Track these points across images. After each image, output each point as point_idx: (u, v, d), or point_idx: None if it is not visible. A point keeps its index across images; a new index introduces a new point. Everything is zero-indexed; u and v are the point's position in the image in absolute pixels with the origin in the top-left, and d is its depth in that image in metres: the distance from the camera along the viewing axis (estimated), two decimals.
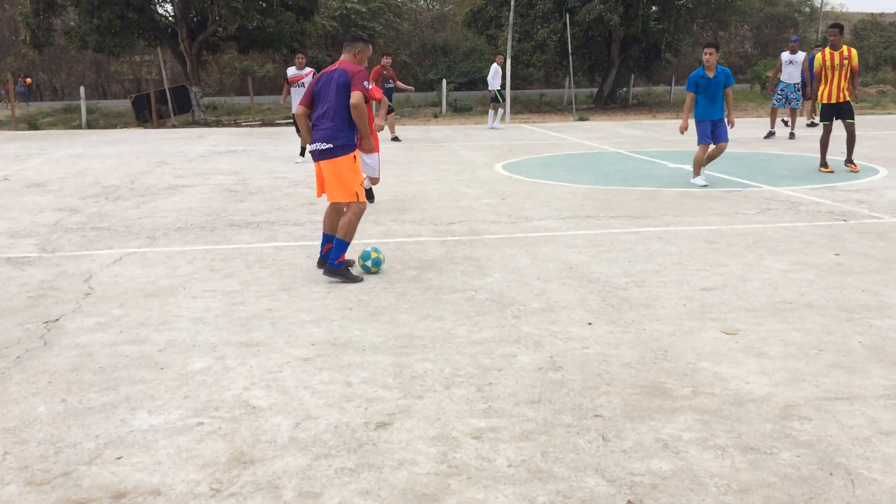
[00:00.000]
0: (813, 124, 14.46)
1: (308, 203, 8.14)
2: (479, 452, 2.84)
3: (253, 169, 11.25)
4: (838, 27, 9.78)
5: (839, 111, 9.75)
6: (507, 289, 4.94)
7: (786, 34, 44.32)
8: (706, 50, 8.80)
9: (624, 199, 8.20)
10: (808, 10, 47.21)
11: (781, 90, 14.97)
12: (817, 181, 9.28)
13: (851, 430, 2.96)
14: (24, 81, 34.88)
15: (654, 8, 26.70)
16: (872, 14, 49.82)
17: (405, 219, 7.29)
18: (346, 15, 35.54)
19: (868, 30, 45.75)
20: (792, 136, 14.84)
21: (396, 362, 3.73)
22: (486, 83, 19.58)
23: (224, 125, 23.08)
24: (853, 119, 9.82)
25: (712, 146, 8.96)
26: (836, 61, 9.60)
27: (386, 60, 15.02)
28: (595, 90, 31.01)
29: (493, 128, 18.78)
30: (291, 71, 12.17)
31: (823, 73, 9.71)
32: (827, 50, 9.71)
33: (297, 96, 11.76)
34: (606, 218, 7.16)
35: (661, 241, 6.21)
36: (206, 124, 23.09)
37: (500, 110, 19.34)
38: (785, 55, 14.97)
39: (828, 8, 49.60)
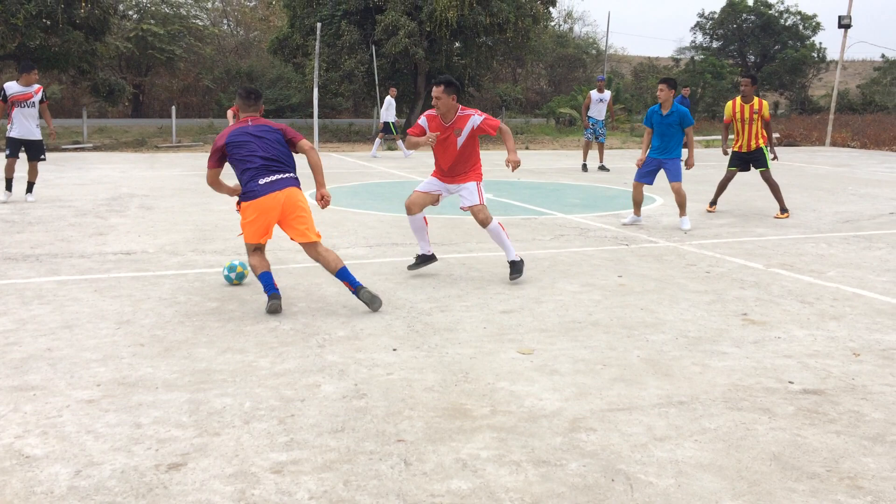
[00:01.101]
0: (603, 168, 15.46)
1: (97, 234, 7.60)
2: (279, 487, 2.76)
3: (27, 195, 10.31)
4: (750, 77, 9.38)
5: (751, 160, 9.48)
6: (313, 318, 4.88)
7: (575, 73, 47.94)
8: (659, 86, 8.36)
9: (430, 226, 8.38)
10: (594, 51, 51.40)
11: (592, 125, 15.85)
12: (604, 209, 10.04)
13: (630, 437, 3.20)
14: None
15: (457, 44, 27.87)
16: (650, 57, 55.23)
17: (206, 249, 7.00)
18: (143, 37, 33.87)
19: (646, 72, 50.50)
20: (602, 168, 15.40)
21: (192, 399, 3.55)
22: (293, 111, 19.51)
23: (1, 150, 21.03)
24: (766, 167, 9.43)
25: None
26: (747, 114, 9.26)
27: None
28: (403, 121, 31.72)
29: (374, 156, 19.12)
30: (13, 87, 9.81)
31: (734, 124, 9.40)
32: (738, 100, 9.32)
33: (22, 118, 9.77)
34: (412, 245, 7.30)
35: (464, 266, 6.43)
36: None
37: (380, 141, 19.85)
38: (594, 93, 15.80)
39: (611, 51, 54.37)
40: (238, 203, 5.26)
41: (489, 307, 5.19)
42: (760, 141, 9.37)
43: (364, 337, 4.51)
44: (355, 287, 5.07)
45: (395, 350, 4.28)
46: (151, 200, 10.16)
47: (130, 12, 35.06)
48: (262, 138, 5.18)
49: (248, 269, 5.61)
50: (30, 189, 9.95)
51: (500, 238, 6.01)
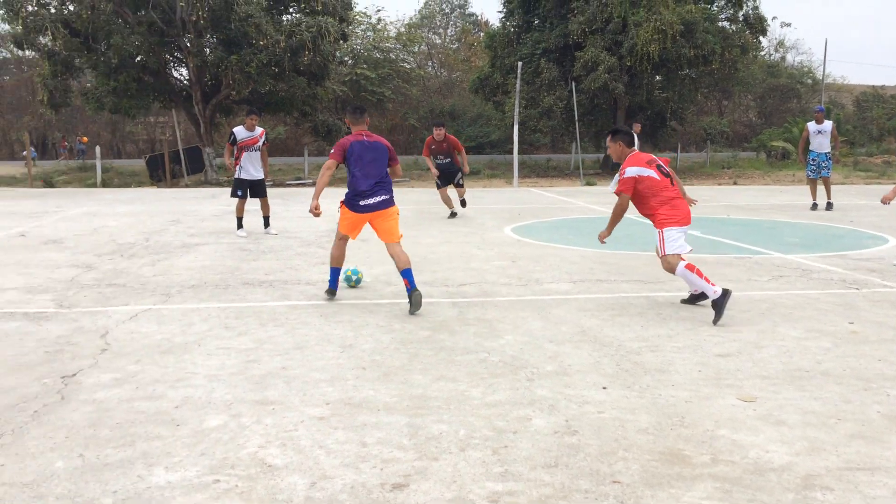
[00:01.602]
0: (830, 206, 14.10)
1: (320, 263, 8.20)
2: None
3: (264, 229, 11.34)
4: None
5: None
6: (521, 351, 4.94)
7: (788, 104, 45.11)
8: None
9: (634, 263, 8.24)
10: (810, 81, 48.13)
11: (813, 160, 14.49)
12: (827, 249, 9.32)
13: (874, 500, 2.93)
14: (82, 140, 35.48)
15: (658, 77, 27.27)
16: (874, 86, 50.75)
17: (416, 280, 7.31)
18: (356, 80, 36.35)
19: (870, 101, 46.51)
20: (829, 206, 14.06)
21: (411, 423, 3.72)
22: (492, 147, 19.86)
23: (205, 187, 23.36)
24: None
25: None
26: None
27: (437, 132, 12.37)
28: (601, 156, 31.44)
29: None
30: (242, 132, 10.57)
31: None
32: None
33: (248, 162, 10.57)
34: (617, 282, 7.19)
35: (672, 306, 6.23)
36: (219, 184, 23.39)
37: None
38: (812, 125, 14.54)
39: (829, 80, 50.57)
40: (341, 202, 6.47)
41: (703, 349, 4.98)
42: None
43: (572, 373, 4.50)
44: (411, 289, 6.05)
45: (604, 388, 4.23)
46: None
47: (346, 58, 37.78)
48: (375, 161, 6.36)
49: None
50: (267, 223, 10.94)
51: (692, 280, 5.91)
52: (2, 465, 3.21)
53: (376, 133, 6.63)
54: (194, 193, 19.08)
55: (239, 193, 10.63)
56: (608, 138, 6.41)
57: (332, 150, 6.36)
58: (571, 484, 3.08)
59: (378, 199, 6.35)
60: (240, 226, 10.70)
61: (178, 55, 25.43)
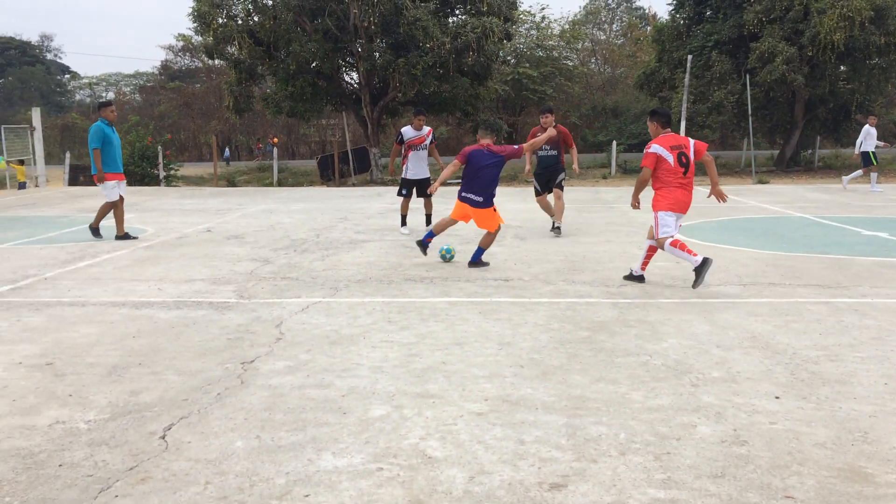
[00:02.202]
0: None
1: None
2: None
3: (426, 227, 11.65)
4: None
5: None
6: (685, 355, 4.76)
7: None
8: None
9: (812, 266, 7.71)
10: None
11: None
12: None
13: None
14: (273, 141, 38.26)
15: (842, 67, 25.30)
16: None
17: (576, 279, 7.24)
18: (518, 79, 36.42)
19: None
20: None
21: (569, 423, 3.69)
22: None
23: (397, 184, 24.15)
24: None
25: None
26: None
27: (545, 120, 9.99)
28: (775, 152, 29.65)
29: (873, 191, 17.01)
30: (409, 132, 10.65)
31: None
32: None
33: (416, 160, 10.67)
34: (792, 286, 6.76)
35: (856, 313, 5.77)
36: (384, 183, 24.29)
37: (873, 173, 17.45)
38: None
39: None
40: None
41: (890, 361, 4.58)
42: None
43: (741, 380, 4.28)
44: (477, 257, 7.97)
45: (777, 398, 3.99)
46: (524, 231, 10.82)
47: (509, 57, 37.96)
48: (489, 168, 7.80)
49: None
50: (429, 221, 11.20)
51: (678, 254, 6.76)
52: (189, 442, 3.51)
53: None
54: (361, 192, 19.91)
55: (404, 192, 10.90)
56: (647, 118, 7.26)
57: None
58: (739, 496, 2.93)
59: (482, 198, 7.89)
60: (403, 223, 11.01)
61: (350, 60, 26.66)
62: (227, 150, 45.06)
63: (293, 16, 24.12)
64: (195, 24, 25.29)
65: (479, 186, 7.79)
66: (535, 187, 10.78)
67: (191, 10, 24.66)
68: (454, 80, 24.44)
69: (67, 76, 70.88)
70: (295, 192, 20.24)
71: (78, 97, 67.43)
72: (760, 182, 21.58)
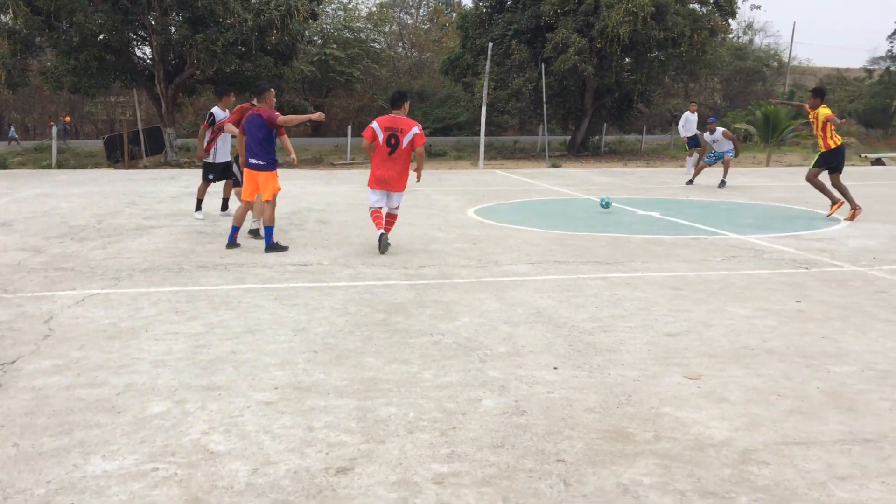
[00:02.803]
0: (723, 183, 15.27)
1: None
2: (439, 498, 2.81)
3: (221, 211, 11.21)
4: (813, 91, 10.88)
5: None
6: (475, 333, 4.94)
7: (753, 87, 45.57)
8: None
9: (593, 245, 8.29)
10: (776, 63, 48.59)
11: (711, 155, 16.17)
12: (781, 230, 9.45)
13: (808, 474, 2.98)
14: (64, 120, 34.52)
15: (627, 60, 27.36)
16: (838, 69, 51.43)
17: (375, 262, 7.29)
18: (325, 61, 35.96)
19: (834, 84, 47.12)
20: (722, 183, 15.58)
21: (360, 406, 3.70)
22: (460, 128, 19.72)
23: (197, 167, 23.03)
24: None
25: None
26: (810, 118, 10.73)
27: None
28: (568, 138, 31.54)
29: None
30: (220, 113, 9.94)
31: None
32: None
33: (221, 144, 10.06)
34: (575, 263, 7.22)
35: (628, 286, 6.27)
36: (179, 165, 23.05)
37: (694, 156, 17.54)
38: (707, 135, 16.06)
39: (795, 62, 51.13)
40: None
41: (654, 329, 5.03)
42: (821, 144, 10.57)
43: (525, 354, 4.51)
44: (269, 239, 7.87)
45: (556, 369, 4.25)
46: (327, 215, 10.73)
47: (315, 38, 37.34)
48: (258, 129, 7.87)
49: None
50: (225, 206, 10.75)
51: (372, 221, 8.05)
52: None
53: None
54: (153, 175, 18.79)
55: (210, 177, 10.28)
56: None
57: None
58: (516, 463, 3.09)
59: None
60: (198, 208, 10.49)
61: (143, 34, 24.91)
62: (11, 128, 40.53)
63: None
64: None
65: (257, 150, 7.81)
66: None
67: None
68: (257, 58, 23.61)
69: None
70: (77, 175, 18.70)
71: None
72: (554, 166, 22.88)
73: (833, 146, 10.45)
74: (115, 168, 22.54)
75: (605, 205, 11.30)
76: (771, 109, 25.23)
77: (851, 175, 18.54)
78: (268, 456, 3.16)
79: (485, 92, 22.66)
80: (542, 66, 24.74)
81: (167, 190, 14.44)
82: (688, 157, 18.29)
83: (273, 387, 3.95)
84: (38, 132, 43.03)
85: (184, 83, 25.41)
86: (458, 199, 12.91)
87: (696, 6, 27.64)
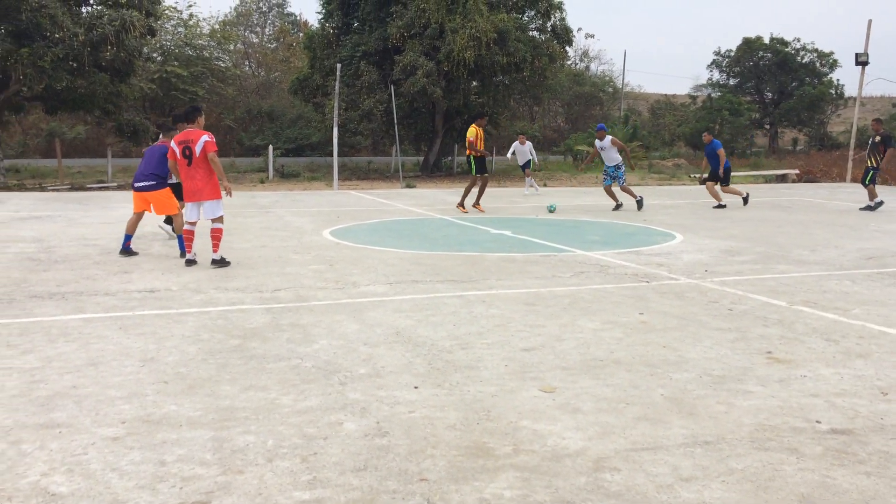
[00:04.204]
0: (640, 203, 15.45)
1: (121, 272, 7.70)
2: None
3: (59, 236, 10.50)
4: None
5: None
6: (334, 356, 4.89)
7: (592, 111, 48.22)
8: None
9: (449, 263, 8.44)
10: (611, 89, 51.68)
11: (605, 172, 15.57)
12: (623, 246, 10.03)
13: (656, 478, 3.17)
14: None
15: (474, 83, 28.17)
16: (667, 95, 55.45)
17: (228, 286, 7.06)
18: (167, 78, 34.54)
19: (663, 109, 50.64)
20: (639, 203, 15.04)
21: (216, 437, 3.56)
22: (312, 149, 19.63)
23: (27, 189, 21.44)
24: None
25: None
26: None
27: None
28: (421, 158, 31.98)
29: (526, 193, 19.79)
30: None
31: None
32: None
33: None
34: (433, 282, 7.32)
35: (484, 304, 6.43)
36: (7, 188, 21.33)
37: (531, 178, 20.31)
38: (597, 142, 15.52)
39: (628, 88, 54.69)
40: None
41: (510, 345, 5.18)
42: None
43: (385, 374, 4.52)
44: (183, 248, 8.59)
45: (416, 388, 4.28)
46: (174, 241, 10.27)
47: (155, 55, 35.81)
48: (153, 154, 9.01)
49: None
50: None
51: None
52: None
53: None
54: None
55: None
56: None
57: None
58: (380, 486, 3.07)
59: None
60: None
61: None
62: None
63: None
64: None
65: (149, 171, 8.91)
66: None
67: None
68: (91, 75, 22.30)
69: None
70: None
71: None
72: (408, 186, 23.11)
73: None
74: None
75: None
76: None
77: (683, 194, 20.00)
78: (116, 495, 2.97)
79: (336, 113, 22.58)
80: (392, 87, 25.00)
81: None
82: (526, 178, 20.29)
83: (120, 421, 3.73)
84: None
85: (9, 100, 23.58)
86: (312, 221, 12.76)
87: (536, 34, 28.94)
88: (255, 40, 50.56)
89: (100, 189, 21.69)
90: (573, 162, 34.06)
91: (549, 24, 29.02)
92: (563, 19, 28.88)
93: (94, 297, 6.55)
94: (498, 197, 18.74)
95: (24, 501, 2.90)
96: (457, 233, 11.34)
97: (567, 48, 30.33)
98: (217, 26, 43.15)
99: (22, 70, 21.10)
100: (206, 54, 39.35)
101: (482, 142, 14.42)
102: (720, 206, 15.28)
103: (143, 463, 3.27)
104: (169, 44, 37.30)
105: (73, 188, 21.71)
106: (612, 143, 15.18)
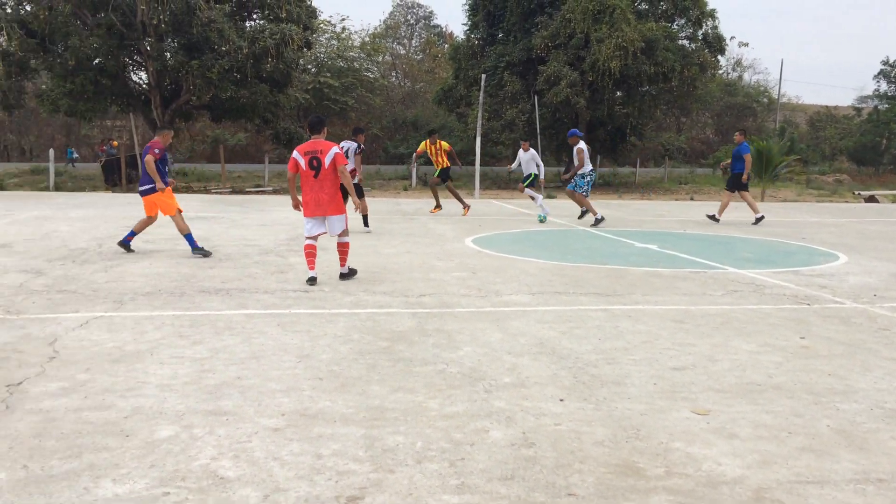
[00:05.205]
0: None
1: (278, 272, 8.11)
2: None
3: (223, 236, 11.22)
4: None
5: None
6: (479, 363, 4.93)
7: (744, 122, 46.11)
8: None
9: (592, 276, 8.31)
10: (765, 100, 49.23)
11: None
12: (780, 265, 9.51)
13: None
14: (112, 144, 34.52)
15: (619, 93, 27.68)
16: (827, 106, 52.14)
17: (376, 290, 7.29)
18: (320, 88, 36.21)
19: (823, 121, 47.71)
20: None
21: (367, 434, 3.68)
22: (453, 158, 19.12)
23: (194, 191, 23.06)
24: None
25: None
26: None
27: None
28: (562, 169, 31.74)
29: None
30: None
31: None
32: None
33: None
34: (576, 294, 7.24)
35: (630, 318, 6.29)
36: (176, 190, 23.02)
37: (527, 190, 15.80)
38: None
39: (784, 99, 51.82)
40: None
41: (659, 362, 5.03)
42: None
43: (530, 385, 4.51)
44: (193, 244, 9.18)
45: (562, 400, 4.24)
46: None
47: (310, 66, 37.61)
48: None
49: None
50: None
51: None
52: None
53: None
54: None
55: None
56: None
57: None
58: (527, 497, 3.07)
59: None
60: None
61: (138, 59, 25.06)
62: (70, 150, 40.42)
63: (71, 7, 22.28)
64: None
65: (147, 178, 9.22)
66: None
67: None
68: (252, 85, 23.76)
69: None
70: (75, 198, 18.67)
71: None
72: (549, 197, 22.98)
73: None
74: (113, 191, 22.51)
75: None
76: (763, 145, 25.48)
77: (846, 212, 18.73)
78: (277, 483, 3.13)
79: (479, 123, 22.83)
80: (535, 97, 24.97)
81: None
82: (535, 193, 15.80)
83: (280, 413, 3.93)
84: (34, 154, 42.97)
85: (180, 108, 25.51)
86: (454, 229, 12.94)
87: (686, 42, 28.06)
88: (402, 52, 52.08)
89: (257, 192, 23.01)
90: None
91: (700, 33, 28.10)
92: (715, 27, 27.89)
93: (255, 294, 6.95)
94: (642, 210, 18.29)
95: (197, 482, 3.11)
96: (600, 245, 11.17)
97: (719, 57, 29.24)
98: (367, 38, 44.79)
99: (192, 81, 22.78)
100: (356, 65, 40.95)
101: (440, 155, 14.92)
102: (759, 219, 14.82)
103: (302, 454, 3.42)
104: (322, 56, 39.10)
105: (234, 191, 23.14)
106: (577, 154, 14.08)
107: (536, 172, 15.22)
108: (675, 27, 28.32)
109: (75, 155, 39.35)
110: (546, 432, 3.77)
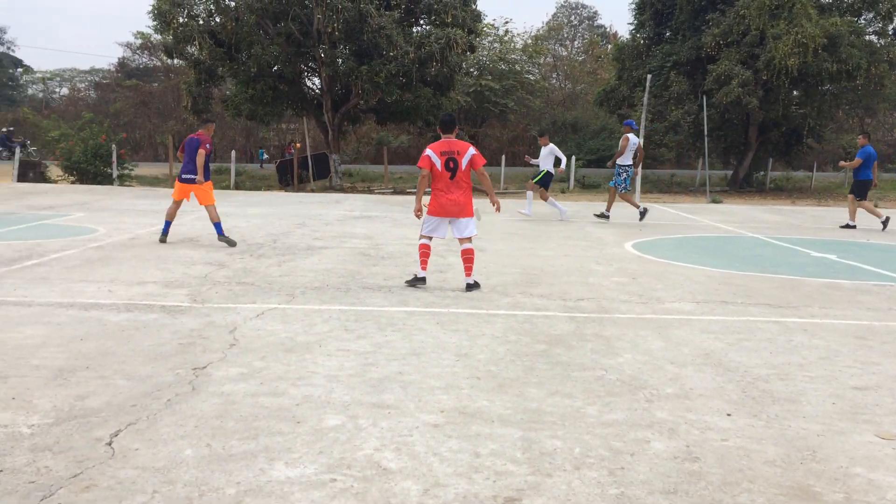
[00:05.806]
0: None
1: (437, 271, 8.29)
2: None
3: (385, 234, 11.62)
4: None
5: None
6: (639, 371, 4.80)
7: None
8: None
9: (763, 286, 7.86)
10: None
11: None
12: None
13: None
14: (296, 146, 37.61)
15: (795, 92, 25.98)
16: None
17: (533, 292, 7.27)
18: (480, 91, 36.64)
19: None
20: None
21: (525, 437, 3.68)
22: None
23: (359, 191, 24.06)
24: None
25: None
26: None
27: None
28: (729, 173, 30.28)
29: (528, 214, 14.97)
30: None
31: None
32: None
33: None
34: (744, 305, 6.88)
35: (805, 332, 5.89)
36: (342, 190, 24.15)
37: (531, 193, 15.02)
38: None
39: None
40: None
41: (838, 381, 4.68)
42: None
43: (694, 397, 4.33)
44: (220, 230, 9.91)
45: (729, 415, 4.04)
46: (484, 243, 10.84)
47: (472, 69, 38.15)
48: (193, 151, 9.93)
49: None
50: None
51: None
52: (136, 449, 3.41)
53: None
54: (319, 198, 19.76)
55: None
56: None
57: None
58: None
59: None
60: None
61: (312, 65, 26.48)
62: (262, 150, 44.20)
63: (255, 18, 23.91)
64: (155, 23, 24.93)
65: (191, 167, 9.84)
66: None
67: (151, 7, 24.28)
68: (417, 89, 24.44)
69: (20, 70, 68.99)
70: (252, 197, 20.01)
71: (30, 91, 65.70)
72: (714, 202, 22.00)
73: None
74: (286, 191, 23.93)
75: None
76: None
77: None
78: (437, 478, 3.20)
79: (642, 124, 22.20)
80: (703, 98, 23.95)
81: (333, 213, 15.14)
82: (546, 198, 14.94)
83: (439, 409, 4.01)
84: (218, 156, 46.56)
85: (349, 112, 26.69)
86: (614, 232, 12.67)
87: (874, 38, 25.88)
88: (564, 53, 51.66)
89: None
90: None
91: (890, 27, 25.82)
92: None
93: (415, 292, 7.14)
94: (819, 217, 17.09)
95: (361, 472, 3.24)
96: (771, 253, 10.54)
97: None
98: (529, 41, 44.82)
99: (361, 85, 23.75)
100: (518, 68, 41.07)
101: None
102: (847, 227, 14.28)
103: (460, 452, 3.48)
104: (484, 59, 39.53)
105: (395, 192, 23.91)
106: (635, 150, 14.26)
107: (551, 171, 14.63)
108: (862, 21, 26.19)
109: (265, 156, 42.27)
110: (712, 447, 3.61)
